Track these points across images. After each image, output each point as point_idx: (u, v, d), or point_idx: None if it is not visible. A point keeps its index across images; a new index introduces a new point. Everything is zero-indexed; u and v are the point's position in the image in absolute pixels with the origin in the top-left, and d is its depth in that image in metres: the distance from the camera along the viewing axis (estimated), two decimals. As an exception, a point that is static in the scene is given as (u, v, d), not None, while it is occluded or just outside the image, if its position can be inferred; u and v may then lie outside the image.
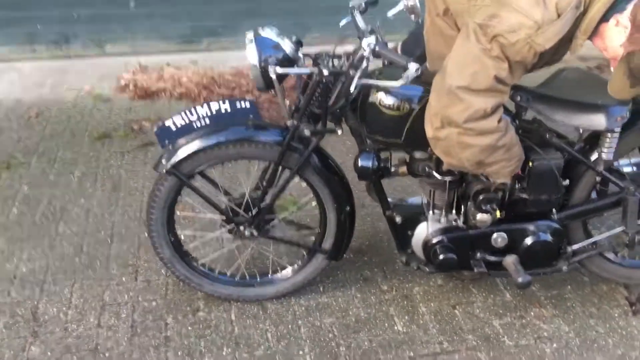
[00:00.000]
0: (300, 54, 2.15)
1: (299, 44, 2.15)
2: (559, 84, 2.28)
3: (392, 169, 2.28)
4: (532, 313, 2.53)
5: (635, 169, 2.48)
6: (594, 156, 2.29)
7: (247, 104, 2.24)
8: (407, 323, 2.47)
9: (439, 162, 2.24)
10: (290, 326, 2.44)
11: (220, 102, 2.23)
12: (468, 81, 1.89)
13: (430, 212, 2.36)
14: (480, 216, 2.29)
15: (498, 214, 2.25)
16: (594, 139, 2.28)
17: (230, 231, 2.42)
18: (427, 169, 2.26)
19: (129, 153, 3.74)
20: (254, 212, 2.35)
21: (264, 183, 2.37)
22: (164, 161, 2.23)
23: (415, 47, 2.61)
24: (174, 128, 2.25)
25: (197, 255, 2.55)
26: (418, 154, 2.28)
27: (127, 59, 4.96)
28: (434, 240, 2.35)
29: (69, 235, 2.96)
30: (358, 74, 1.99)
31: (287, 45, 2.12)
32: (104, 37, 5.09)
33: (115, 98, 4.51)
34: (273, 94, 2.20)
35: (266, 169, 2.42)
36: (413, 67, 1.81)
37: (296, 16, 5.03)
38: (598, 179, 2.31)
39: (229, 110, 2.24)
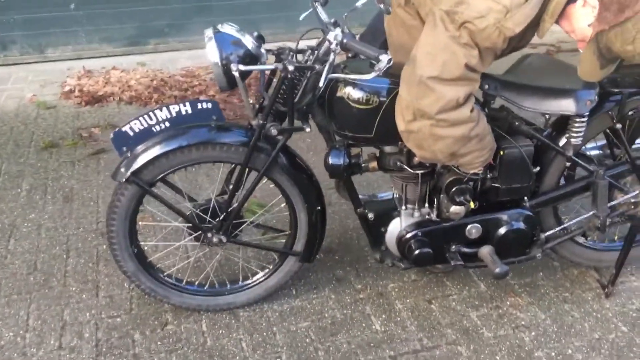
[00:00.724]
0: (262, 50, 2.06)
1: (260, 39, 2.06)
2: (524, 70, 2.26)
3: (363, 165, 2.21)
4: (508, 302, 2.51)
5: (600, 151, 2.50)
6: (562, 141, 2.28)
7: (209, 105, 2.13)
8: (385, 321, 2.42)
9: (410, 156, 2.19)
10: (265, 333, 2.35)
11: (181, 104, 2.12)
12: (439, 71, 1.84)
13: (403, 206, 2.31)
14: (453, 208, 2.25)
15: (472, 204, 2.21)
16: (562, 124, 2.27)
17: (197, 239, 2.31)
18: (398, 163, 2.21)
19: (79, 162, 3.56)
20: (221, 217, 2.25)
21: (230, 186, 2.27)
22: (122, 169, 2.10)
23: (373, 40, 2.55)
24: (131, 133, 2.12)
25: (162, 266, 2.43)
26: (388, 148, 2.22)
27: (71, 64, 4.77)
28: (408, 235, 2.30)
29: (21, 253, 2.78)
30: (326, 67, 1.91)
31: (249, 41, 2.02)
32: (44, 41, 4.86)
33: (61, 105, 4.31)
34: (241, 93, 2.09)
35: (232, 171, 2.32)
36: (385, 59, 1.75)
37: (246, 12, 4.92)
38: (567, 164, 2.30)
39: (189, 112, 2.13)
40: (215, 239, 2.27)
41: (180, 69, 4.95)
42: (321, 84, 1.92)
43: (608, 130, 2.33)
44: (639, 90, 2.19)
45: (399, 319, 2.43)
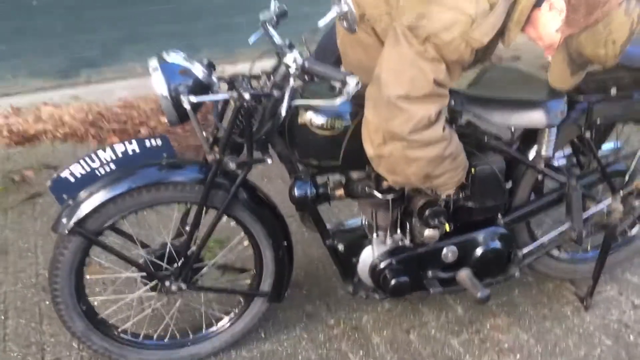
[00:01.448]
0: (214, 78, 1.88)
1: (211, 67, 1.89)
2: (487, 83, 2.17)
3: (330, 194, 2.06)
4: (488, 325, 2.40)
5: (566, 161, 2.44)
6: (531, 154, 2.20)
7: (159, 142, 1.94)
8: (363, 357, 2.26)
9: (378, 181, 2.06)
10: (235, 385, 2.16)
11: (126, 142, 1.91)
12: (407, 89, 1.71)
13: (374, 234, 2.17)
14: (428, 232, 2.12)
15: (447, 227, 2.09)
16: (529, 136, 2.19)
17: (153, 289, 2.10)
18: (367, 189, 2.07)
19: (12, 209, 3.25)
20: (179, 263, 2.04)
21: (187, 228, 2.08)
22: (64, 220, 1.87)
23: (324, 60, 2.42)
24: (72, 179, 1.90)
25: (115, 322, 2.19)
26: (355, 174, 2.09)
27: (-4, 102, 4.42)
28: (382, 265, 2.16)
29: (-48, 318, 2.49)
30: (287, 94, 1.75)
31: (199, 70, 1.85)
32: (-35, 80, 4.50)
33: (-12, 148, 3.98)
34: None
35: (187, 212, 2.13)
36: (353, 81, 1.61)
37: (183, 38, 4.71)
38: (540, 177, 2.22)
39: (137, 150, 1.93)
40: (174, 287, 2.07)
41: (117, 101, 4.68)
42: (283, 112, 1.76)
43: (575, 139, 2.27)
44: (604, 97, 2.13)
45: (377, 353, 2.28)
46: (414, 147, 1.79)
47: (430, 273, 2.20)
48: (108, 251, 2.01)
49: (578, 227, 2.20)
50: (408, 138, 1.75)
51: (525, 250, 2.28)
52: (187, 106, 1.77)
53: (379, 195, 2.06)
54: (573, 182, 2.19)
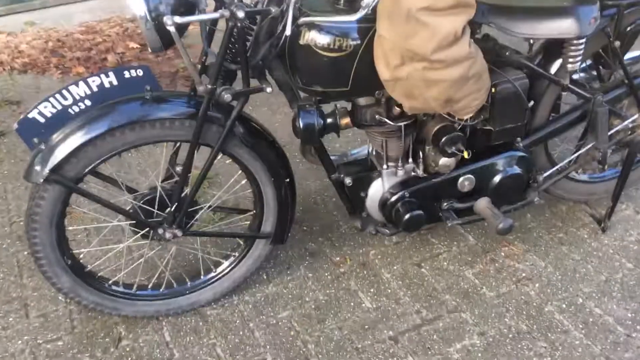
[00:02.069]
0: (199, -6, 1.61)
1: (195, -20, 1.61)
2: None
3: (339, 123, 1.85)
4: (503, 253, 2.27)
5: (584, 74, 2.24)
6: (553, 68, 2.00)
7: (140, 72, 1.67)
8: (375, 296, 2.12)
9: (389, 106, 1.84)
10: (241, 333, 2.00)
11: (102, 75, 1.65)
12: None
13: (384, 165, 1.97)
14: (443, 160, 1.94)
15: (466, 154, 1.90)
16: (553, 48, 1.97)
17: (144, 236, 1.89)
18: (377, 117, 1.85)
19: (-25, 151, 2.97)
20: (172, 207, 1.83)
21: (178, 169, 1.86)
22: (38, 167, 1.63)
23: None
24: (42, 120, 1.65)
25: (105, 274, 2.00)
26: (363, 100, 1.86)
27: (-57, 32, 4.02)
28: (394, 198, 1.98)
29: None
30: (290, 8, 1.49)
31: (182, -15, 1.57)
32: None
33: (-61, 84, 3.62)
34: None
35: (176, 151, 1.90)
36: (373, -9, 1.36)
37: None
38: (564, 94, 2.02)
39: (115, 83, 1.67)
40: (168, 234, 1.86)
41: (77, 26, 4.31)
42: (288, 31, 1.50)
43: (600, 50, 2.06)
44: (636, 1, 1.91)
45: (389, 290, 2.14)
46: (436, 67, 1.56)
47: (445, 204, 2.03)
48: (91, 199, 1.79)
49: (603, 147, 2.04)
50: (431, 57, 1.53)
51: (545, 174, 2.12)
52: (171, 29, 1.50)
53: (390, 122, 1.85)
54: (599, 97, 2.00)
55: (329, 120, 1.81)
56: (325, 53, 1.64)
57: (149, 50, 1.61)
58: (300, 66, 1.70)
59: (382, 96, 1.81)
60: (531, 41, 1.99)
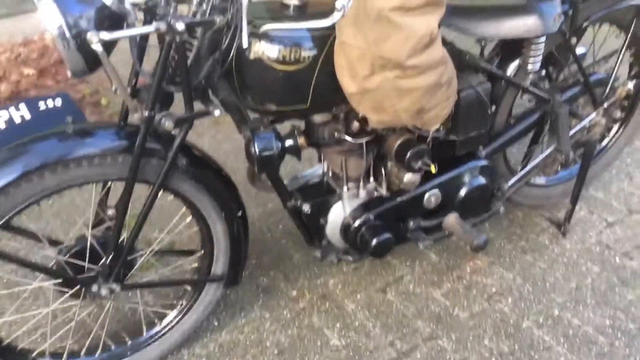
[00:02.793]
0: (127, 5, 1.34)
1: (121, -12, 1.34)
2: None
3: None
4: (468, 269, 2.14)
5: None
6: (510, 70, 1.89)
7: (58, 102, 1.39)
8: (342, 332, 1.91)
9: (348, 122, 1.66)
10: (197, 393, 1.73)
11: (11, 107, 1.34)
12: None
13: (344, 187, 1.78)
14: (408, 177, 1.76)
15: (433, 168, 1.74)
16: (509, 50, 1.87)
17: (75, 296, 1.59)
18: (336, 134, 1.66)
19: None
20: (107, 258, 1.54)
21: (110, 212, 1.57)
22: None
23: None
24: None
25: (28, 345, 1.67)
26: (319, 118, 1.66)
27: None
28: (357, 222, 1.79)
29: None
30: (243, 16, 1.26)
31: (105, -7, 1.30)
32: None
33: None
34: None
35: (107, 191, 1.61)
36: (347, -9, 1.16)
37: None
38: (525, 98, 1.92)
39: (28, 117, 1.37)
40: (103, 291, 1.57)
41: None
42: (244, 42, 1.26)
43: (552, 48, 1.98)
44: (590, -5, 1.84)
45: (357, 323, 1.94)
46: (409, 75, 1.39)
47: (412, 223, 1.86)
48: (4, 259, 1.47)
49: (565, 149, 1.95)
50: (405, 63, 1.35)
51: (510, 182, 2.00)
52: (97, 47, 1.23)
53: (351, 139, 1.66)
54: (559, 97, 1.91)
55: (288, 142, 1.60)
56: (279, 67, 1.43)
57: (69, 75, 1.33)
58: (250, 83, 1.47)
59: (340, 111, 1.62)
60: (483, 43, 1.88)
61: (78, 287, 1.56)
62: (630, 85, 2.07)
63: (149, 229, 2.05)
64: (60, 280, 1.55)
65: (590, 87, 2.01)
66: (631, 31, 2.01)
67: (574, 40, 1.89)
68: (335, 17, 1.17)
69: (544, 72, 2.11)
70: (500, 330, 1.90)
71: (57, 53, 3.67)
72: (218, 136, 2.94)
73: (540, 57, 1.79)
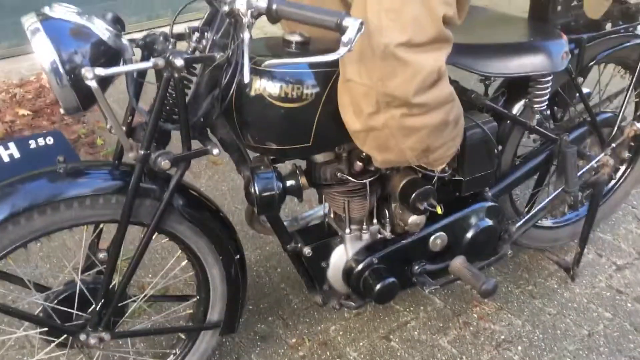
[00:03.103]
0: (124, 40, 1.30)
1: (118, 23, 1.30)
2: (469, 28, 1.76)
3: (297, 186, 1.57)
4: (475, 315, 2.05)
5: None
6: (515, 109, 1.85)
7: (49, 140, 1.33)
8: (344, 382, 1.82)
9: (351, 162, 1.60)
10: None
11: (0, 146, 1.28)
12: (410, 33, 1.26)
13: (347, 229, 1.71)
14: (413, 219, 1.70)
15: (439, 209, 1.68)
16: (515, 89, 1.83)
17: (62, 345, 1.49)
18: (337, 174, 1.60)
19: None
20: (97, 305, 1.46)
21: (101, 255, 1.50)
22: None
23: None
24: None
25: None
26: (321, 157, 1.60)
27: None
28: (361, 266, 1.71)
29: None
30: (245, 52, 1.21)
31: (101, 28, 1.26)
32: None
33: None
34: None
35: (98, 233, 1.54)
36: (354, 23, 1.11)
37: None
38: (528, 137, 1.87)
39: (17, 156, 1.31)
40: (92, 340, 1.48)
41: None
42: (246, 77, 1.21)
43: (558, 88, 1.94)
44: (596, 35, 1.81)
45: (359, 373, 1.85)
46: (415, 113, 1.34)
47: (417, 267, 1.79)
48: (-13, 306, 1.38)
49: (574, 190, 1.89)
50: (412, 101, 1.30)
51: (517, 224, 1.93)
52: (92, 84, 1.17)
53: (354, 180, 1.60)
54: (565, 137, 1.87)
55: (290, 182, 1.53)
56: (281, 104, 1.38)
57: (62, 112, 1.27)
58: (250, 121, 1.42)
59: (342, 151, 1.57)
60: (487, 82, 1.85)
61: (65, 336, 1.47)
62: (638, 125, 2.02)
63: (141, 273, 1.97)
64: (46, 329, 1.46)
65: (598, 127, 1.96)
66: (638, 70, 1.98)
67: (580, 79, 1.85)
68: (341, 52, 1.12)
69: (549, 111, 2.09)
70: (511, 380, 1.81)
71: (52, 94, 3.63)
72: (215, 176, 2.88)
73: (547, 96, 1.75)
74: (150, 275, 1.92)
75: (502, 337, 1.96)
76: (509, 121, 1.84)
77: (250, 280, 2.20)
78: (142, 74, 1.39)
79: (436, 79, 1.31)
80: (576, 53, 1.80)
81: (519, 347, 1.92)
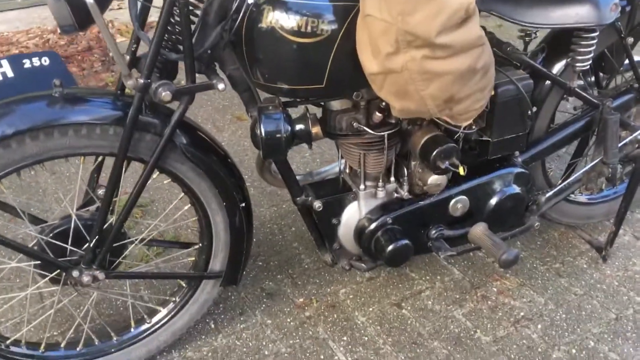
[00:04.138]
0: (128, -42, 1.21)
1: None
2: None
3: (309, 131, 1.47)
4: (495, 289, 1.93)
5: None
6: (555, 69, 1.70)
7: (45, 60, 1.26)
8: (349, 346, 1.73)
9: (370, 112, 1.49)
10: (183, 401, 1.57)
11: (-8, 62, 1.22)
12: None
13: (362, 185, 1.61)
14: (432, 179, 1.59)
15: (462, 170, 1.55)
16: (556, 45, 1.68)
17: (55, 281, 1.44)
18: (354, 124, 1.49)
19: None
20: (91, 242, 1.40)
21: (100, 192, 1.43)
22: None
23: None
24: None
25: (3, 331, 1.53)
26: (337, 104, 1.50)
27: None
28: (374, 225, 1.61)
29: None
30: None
31: (102, -58, 1.17)
32: None
33: None
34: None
35: (98, 167, 1.47)
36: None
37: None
38: (571, 100, 1.72)
39: (11, 75, 1.24)
40: (85, 278, 1.42)
41: (-10, 35, 3.80)
42: None
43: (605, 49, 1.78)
44: (652, -9, 1.64)
45: (366, 338, 1.76)
46: (439, 56, 1.22)
47: (434, 232, 1.67)
48: (-22, 233, 1.34)
49: (613, 161, 1.74)
50: (435, 41, 1.18)
51: (548, 194, 1.80)
52: (88, 0, 1.09)
53: (370, 131, 1.49)
54: (609, 103, 1.71)
55: (299, 126, 1.43)
56: (294, 38, 1.27)
57: (59, 31, 1.20)
58: (261, 57, 1.32)
59: (360, 98, 1.45)
60: (527, 39, 1.70)
61: (58, 270, 1.42)
62: (693, 97, 1.85)
63: (150, 217, 1.92)
64: (39, 262, 1.41)
65: (647, 95, 1.80)
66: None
67: (630, 41, 1.69)
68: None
69: (593, 78, 1.93)
70: (527, 359, 1.70)
71: (85, 41, 3.61)
72: (239, 132, 2.81)
73: (591, 55, 1.60)
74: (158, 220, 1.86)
75: (522, 314, 1.84)
76: (547, 81, 1.69)
77: (263, 237, 2.14)
78: (148, -1, 1.31)
79: (464, 18, 1.18)
80: (627, 10, 1.64)
81: (539, 326, 1.80)
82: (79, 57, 3.53)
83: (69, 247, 1.41)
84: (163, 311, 1.64)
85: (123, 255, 1.48)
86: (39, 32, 3.90)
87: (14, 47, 3.73)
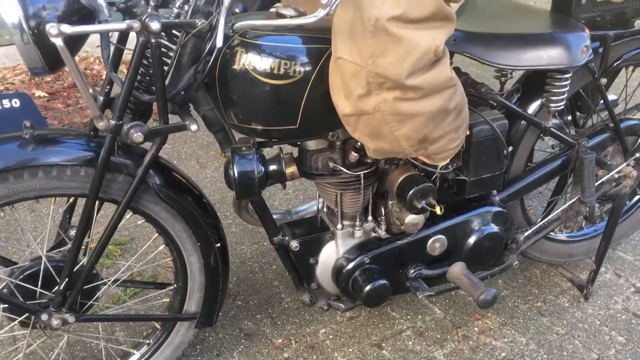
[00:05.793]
0: (100, 0, 1.22)
1: (95, -18, 1.22)
2: (477, 16, 1.65)
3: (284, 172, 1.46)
4: (476, 328, 1.91)
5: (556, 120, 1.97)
6: (531, 109, 1.72)
7: (15, 102, 1.25)
8: (328, 389, 1.70)
9: (345, 151, 1.49)
10: None
11: (-40, 104, 1.21)
12: (404, 7, 1.15)
13: (339, 224, 1.60)
14: (411, 218, 1.59)
15: (438, 210, 1.55)
16: (531, 86, 1.70)
17: (25, 324, 1.41)
18: (330, 164, 1.49)
19: None
20: (61, 284, 1.37)
21: (72, 233, 1.41)
22: None
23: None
24: None
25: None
26: (313, 144, 1.50)
27: None
28: (351, 265, 1.60)
29: None
30: (222, 17, 1.12)
31: (75, -14, 1.18)
32: None
33: None
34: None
35: (70, 208, 1.46)
36: (337, -14, 1.01)
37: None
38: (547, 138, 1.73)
39: (-20, 117, 1.23)
40: (55, 321, 1.39)
41: (-24, 72, 3.81)
42: (218, 42, 1.12)
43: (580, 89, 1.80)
44: (624, 32, 1.67)
45: (345, 380, 1.73)
46: (410, 97, 1.22)
47: (412, 271, 1.66)
48: (-54, 276, 1.31)
49: (590, 200, 1.74)
50: (406, 82, 1.19)
51: (526, 232, 1.80)
52: (57, 41, 1.09)
53: (346, 171, 1.49)
54: (584, 143, 1.72)
55: (272, 167, 1.43)
56: (267, 80, 1.28)
57: (30, 74, 1.19)
58: (235, 98, 1.32)
59: (336, 138, 1.46)
60: (502, 79, 1.72)
61: (27, 314, 1.39)
62: (666, 135, 1.87)
63: (130, 255, 1.89)
64: (6, 306, 1.38)
65: (621, 134, 1.81)
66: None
67: (603, 81, 1.71)
68: (319, 14, 1.01)
69: (570, 117, 1.95)
70: (508, 401, 1.67)
71: (71, 77, 3.62)
72: (222, 168, 2.79)
73: (565, 95, 1.61)
74: (133, 261, 1.83)
75: (503, 354, 1.82)
76: (523, 121, 1.70)
77: (243, 275, 2.11)
78: (122, 40, 1.31)
79: (433, 60, 1.19)
80: (600, 51, 1.66)
81: (521, 367, 1.78)
82: (65, 94, 3.54)
83: (38, 289, 1.38)
84: (137, 354, 1.61)
85: (95, 298, 1.46)
86: (26, 69, 3.91)
87: (0, 83, 3.73)
